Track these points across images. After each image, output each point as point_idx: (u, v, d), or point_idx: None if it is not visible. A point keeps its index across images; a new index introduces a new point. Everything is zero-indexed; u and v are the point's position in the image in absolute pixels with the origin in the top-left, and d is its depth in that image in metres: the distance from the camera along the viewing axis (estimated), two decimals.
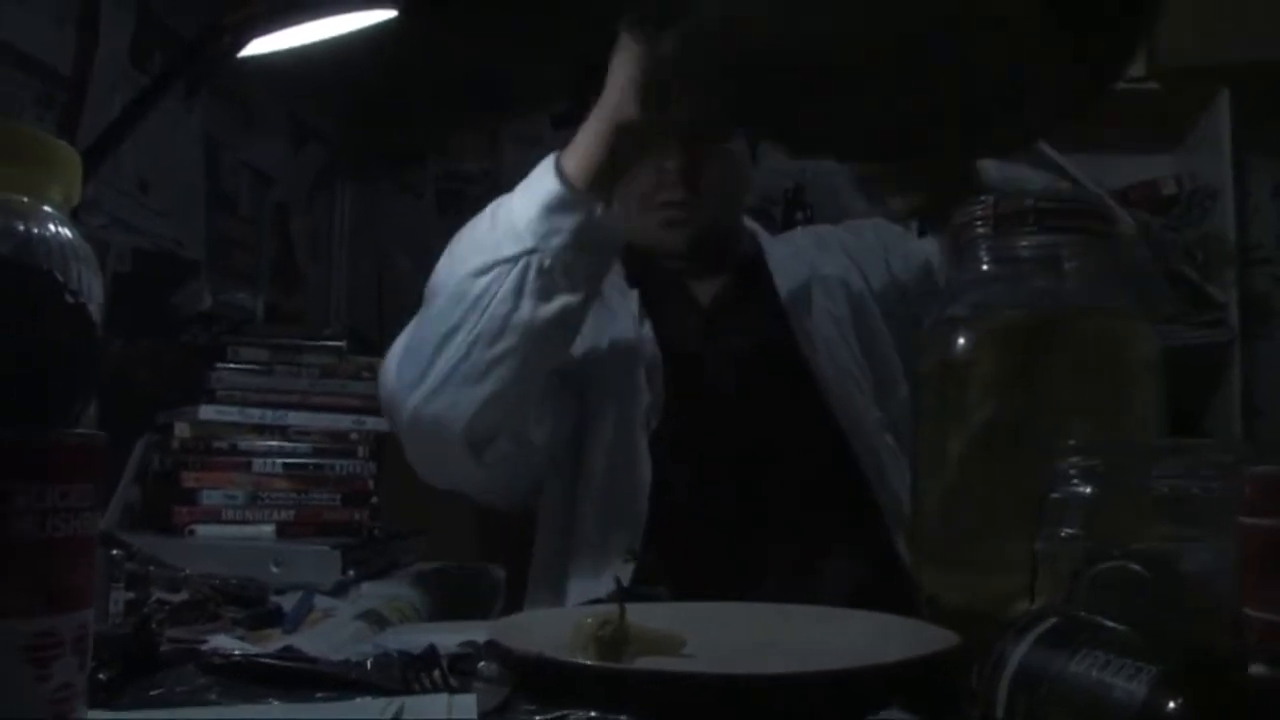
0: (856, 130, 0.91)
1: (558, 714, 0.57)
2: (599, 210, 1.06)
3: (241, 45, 1.13)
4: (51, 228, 0.51)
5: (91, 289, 0.51)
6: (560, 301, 1.06)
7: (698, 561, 1.16)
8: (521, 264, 1.05)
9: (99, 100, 1.74)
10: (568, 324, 1.10)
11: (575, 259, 1.06)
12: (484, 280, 1.05)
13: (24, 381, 0.47)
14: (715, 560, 1.18)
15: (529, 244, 1.05)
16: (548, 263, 1.05)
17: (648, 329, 1.28)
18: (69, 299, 0.48)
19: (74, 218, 0.53)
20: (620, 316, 1.31)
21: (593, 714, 0.56)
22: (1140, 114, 2.89)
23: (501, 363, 1.06)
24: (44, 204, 0.52)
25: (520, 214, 1.06)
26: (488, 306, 1.05)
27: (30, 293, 0.48)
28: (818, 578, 1.18)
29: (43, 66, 1.66)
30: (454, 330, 1.07)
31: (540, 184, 1.06)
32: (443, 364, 1.07)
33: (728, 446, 1.24)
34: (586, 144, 1.07)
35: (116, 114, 1.50)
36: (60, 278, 0.49)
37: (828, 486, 1.23)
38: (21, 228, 0.50)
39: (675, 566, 1.13)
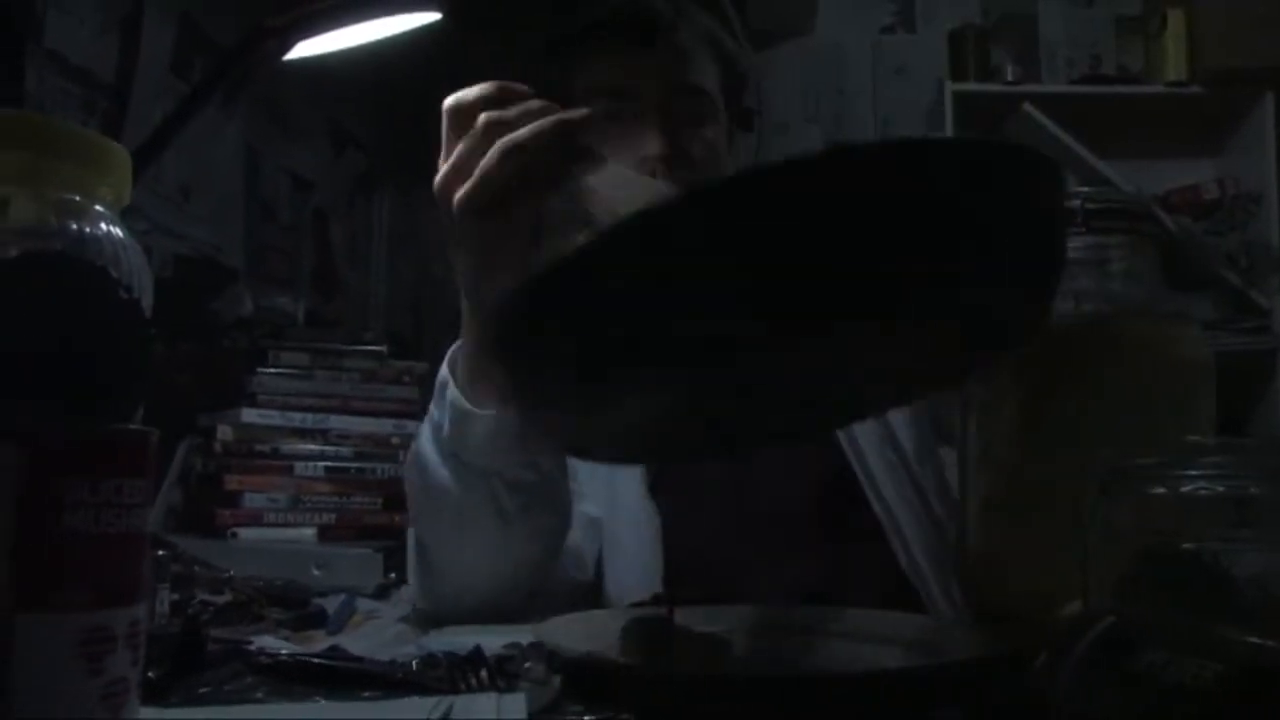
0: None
1: (606, 715, 0.57)
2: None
3: (287, 48, 1.14)
4: (103, 226, 0.52)
5: (143, 287, 0.52)
6: (540, 498, 0.98)
7: (698, 582, 1.13)
8: (489, 501, 0.95)
9: (141, 108, 1.76)
10: (559, 496, 1.03)
11: (530, 459, 0.96)
12: (474, 545, 0.97)
13: (78, 377, 0.48)
14: (714, 579, 1.14)
15: (484, 483, 0.95)
16: (510, 477, 0.95)
17: None
18: (122, 295, 0.49)
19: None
20: None
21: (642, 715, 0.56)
22: (1182, 118, 2.88)
23: (532, 561, 1.01)
24: (95, 203, 0.53)
25: (460, 442, 0.95)
26: (493, 555, 0.97)
27: (85, 289, 0.48)
28: (819, 591, 1.16)
29: (86, 74, 1.68)
30: (477, 586, 0.99)
31: (465, 418, 0.95)
32: (478, 597, 0.99)
33: (721, 467, 1.17)
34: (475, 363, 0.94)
35: (158, 121, 1.51)
36: (114, 274, 0.49)
37: (825, 500, 1.20)
38: (74, 226, 0.51)
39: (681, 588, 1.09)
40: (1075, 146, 2.80)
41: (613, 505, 1.19)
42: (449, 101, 0.83)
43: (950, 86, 2.86)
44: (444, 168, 0.83)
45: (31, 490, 0.45)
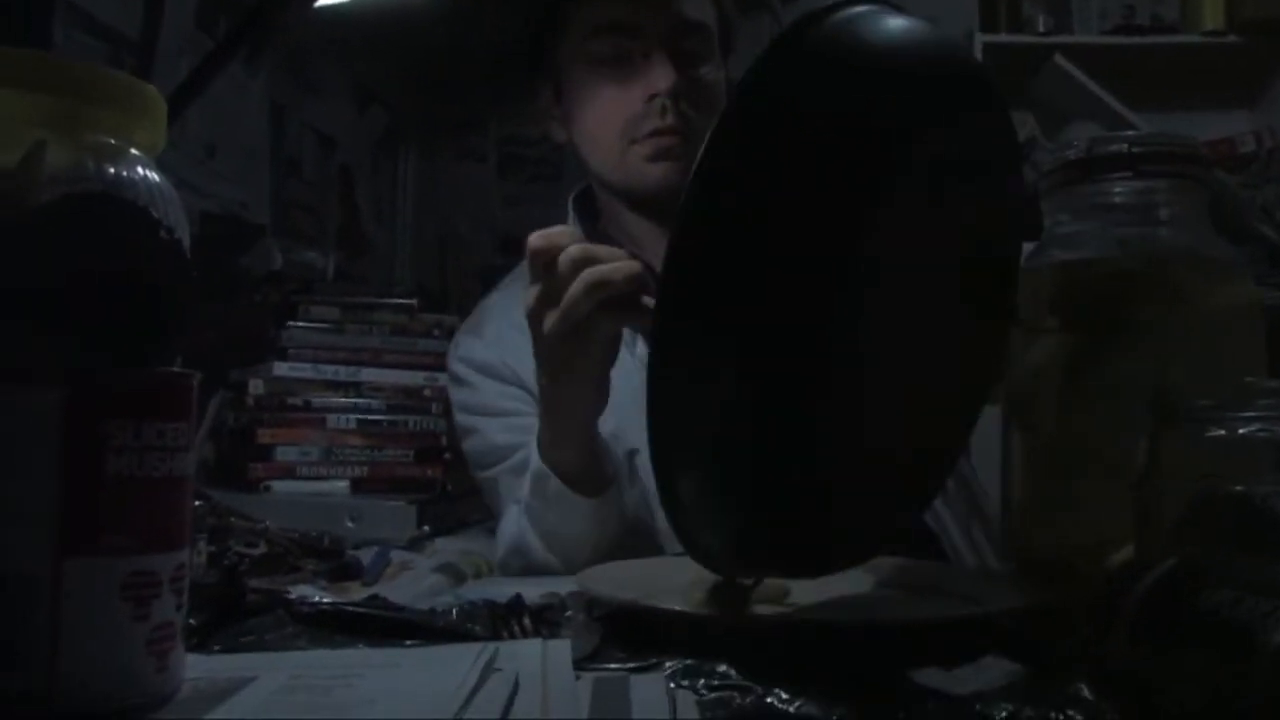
0: None
1: (651, 661, 0.57)
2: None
3: None
4: (140, 170, 0.51)
5: (181, 230, 0.51)
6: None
7: None
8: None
9: (166, 64, 1.75)
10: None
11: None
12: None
13: (120, 318, 0.47)
14: None
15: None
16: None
17: (641, 349, 1.14)
18: (164, 235, 0.48)
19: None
20: None
21: (687, 661, 0.55)
22: (1217, 69, 2.83)
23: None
24: (131, 147, 0.52)
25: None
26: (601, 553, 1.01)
27: (126, 229, 0.48)
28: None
29: (111, 30, 1.67)
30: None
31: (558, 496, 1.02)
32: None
33: None
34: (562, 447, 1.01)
35: (183, 78, 1.50)
36: (156, 214, 0.48)
37: None
38: (111, 170, 0.50)
39: None
40: (1108, 98, 2.75)
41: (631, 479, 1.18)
42: (536, 239, 0.89)
43: (981, 38, 2.81)
44: (534, 293, 0.90)
45: (75, 434, 0.45)
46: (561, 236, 0.89)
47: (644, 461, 1.10)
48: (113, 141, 0.51)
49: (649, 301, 0.85)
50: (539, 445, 1.01)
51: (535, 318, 0.90)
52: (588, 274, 0.86)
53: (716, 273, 0.56)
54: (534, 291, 0.90)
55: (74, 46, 1.58)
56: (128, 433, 0.46)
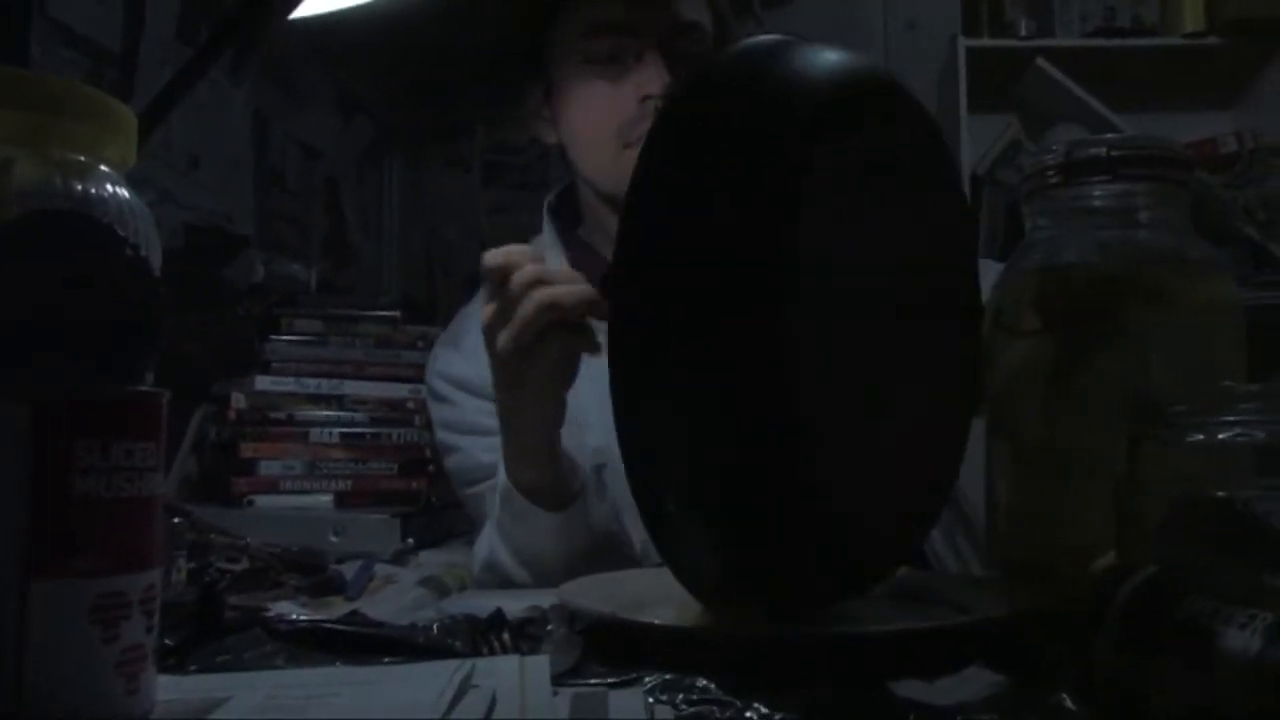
0: None
1: (630, 676, 0.56)
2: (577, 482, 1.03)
3: (294, 3, 1.12)
4: (109, 187, 0.51)
5: (150, 247, 0.51)
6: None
7: None
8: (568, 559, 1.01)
9: (148, 77, 1.74)
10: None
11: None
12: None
13: (87, 337, 0.46)
14: None
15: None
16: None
17: None
18: (130, 253, 0.47)
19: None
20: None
21: (667, 676, 0.55)
22: (1199, 70, 2.84)
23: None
24: (100, 163, 0.51)
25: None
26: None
27: (92, 247, 0.47)
28: None
29: (91, 44, 1.66)
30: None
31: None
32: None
33: None
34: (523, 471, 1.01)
35: (161, 88, 1.49)
36: (122, 232, 0.48)
37: None
38: (79, 187, 0.50)
39: None
40: (1090, 101, 2.76)
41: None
42: (491, 257, 0.91)
43: (964, 42, 2.82)
44: (488, 310, 0.91)
45: (41, 454, 0.44)
46: (517, 255, 0.90)
47: (611, 475, 1.10)
48: (82, 158, 0.51)
49: (596, 324, 0.87)
50: (504, 462, 1.01)
51: (489, 334, 0.91)
52: (538, 294, 0.87)
53: (659, 274, 0.59)
54: (489, 309, 0.91)
55: (53, 61, 1.57)
56: (95, 453, 0.45)
